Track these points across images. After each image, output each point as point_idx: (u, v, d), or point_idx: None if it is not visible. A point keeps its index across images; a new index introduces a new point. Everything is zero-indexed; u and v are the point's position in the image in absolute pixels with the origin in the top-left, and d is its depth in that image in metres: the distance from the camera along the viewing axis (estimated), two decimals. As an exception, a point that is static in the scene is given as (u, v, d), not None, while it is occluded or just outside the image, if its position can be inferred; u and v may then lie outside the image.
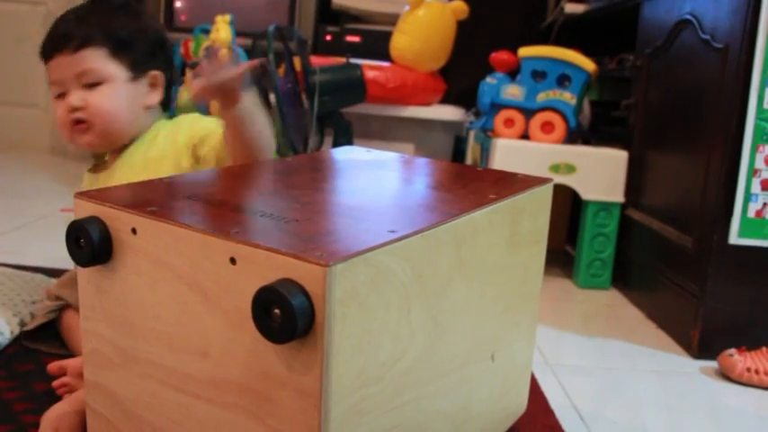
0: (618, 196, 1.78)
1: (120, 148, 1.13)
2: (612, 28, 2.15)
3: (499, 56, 1.91)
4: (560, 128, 1.80)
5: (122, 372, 0.71)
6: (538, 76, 1.83)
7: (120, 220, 0.67)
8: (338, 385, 0.57)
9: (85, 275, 0.71)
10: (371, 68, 2.27)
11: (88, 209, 0.69)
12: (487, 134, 1.88)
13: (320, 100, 2.11)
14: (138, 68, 1.10)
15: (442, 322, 0.72)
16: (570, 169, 1.77)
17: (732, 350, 1.30)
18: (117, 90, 1.08)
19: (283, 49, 2.08)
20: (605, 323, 1.58)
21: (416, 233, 0.64)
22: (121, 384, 0.71)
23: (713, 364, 1.34)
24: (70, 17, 1.09)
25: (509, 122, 1.84)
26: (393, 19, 2.41)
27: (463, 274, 0.74)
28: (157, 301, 0.66)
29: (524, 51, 1.85)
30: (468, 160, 2.15)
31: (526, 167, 1.63)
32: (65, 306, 1.11)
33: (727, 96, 1.33)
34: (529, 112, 1.83)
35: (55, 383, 0.97)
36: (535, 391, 1.13)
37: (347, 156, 1.04)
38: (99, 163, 1.19)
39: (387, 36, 2.36)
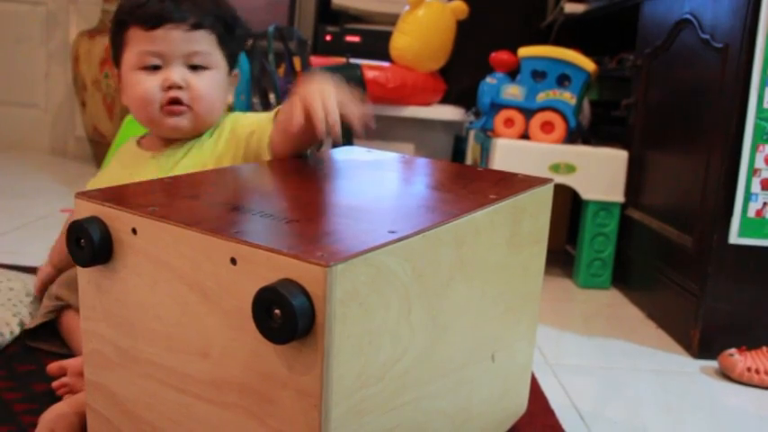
0: (618, 196, 1.78)
1: (191, 137, 1.08)
2: (612, 28, 2.15)
3: (499, 56, 1.91)
4: (560, 128, 1.80)
5: (123, 372, 0.71)
6: (538, 75, 1.83)
7: (120, 221, 0.67)
8: (339, 385, 0.57)
9: (86, 275, 0.71)
10: (371, 68, 2.27)
11: (88, 209, 0.69)
12: (487, 134, 1.88)
13: (320, 100, 2.11)
14: (231, 63, 1.09)
15: (443, 322, 0.72)
16: (570, 169, 1.77)
17: (732, 350, 1.30)
18: (219, 79, 1.06)
19: (283, 49, 2.08)
20: (605, 323, 1.58)
21: (417, 233, 0.64)
22: (122, 385, 0.71)
23: (713, 363, 1.34)
24: None
25: (509, 122, 1.84)
26: (393, 19, 2.41)
27: (464, 274, 0.74)
28: (158, 301, 0.66)
29: (524, 51, 1.85)
30: (468, 160, 2.15)
31: (526, 167, 1.63)
32: (65, 306, 1.11)
33: (727, 96, 1.33)
34: (529, 112, 1.83)
35: (55, 384, 0.97)
36: (535, 391, 1.13)
37: (347, 156, 1.04)
38: (146, 137, 1.12)
39: (387, 36, 2.36)
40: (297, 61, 2.14)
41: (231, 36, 1.08)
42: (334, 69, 2.20)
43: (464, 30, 2.35)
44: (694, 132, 1.47)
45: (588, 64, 1.79)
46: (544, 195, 0.92)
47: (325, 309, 0.54)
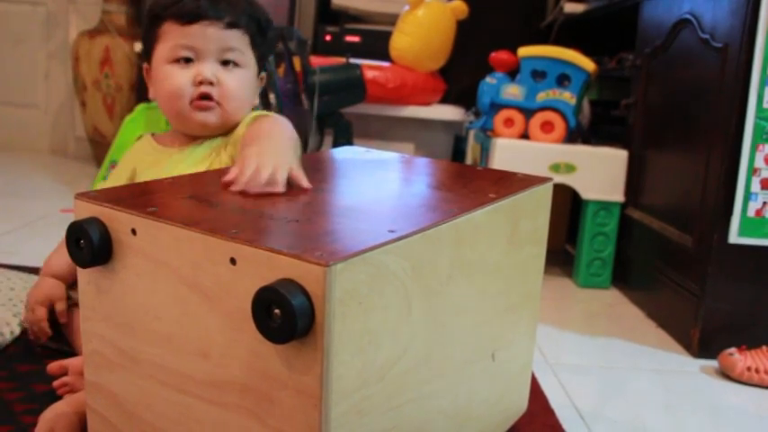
0: (618, 195, 1.78)
1: (216, 135, 1.06)
2: (612, 28, 2.15)
3: (499, 56, 1.91)
4: (560, 127, 1.80)
5: (123, 372, 0.71)
6: (537, 75, 1.83)
7: (119, 221, 0.67)
8: (338, 385, 0.57)
9: (86, 276, 0.71)
10: (371, 68, 2.27)
11: (88, 210, 0.69)
12: (487, 134, 1.88)
13: (320, 100, 2.11)
14: (260, 65, 1.08)
15: (443, 322, 0.72)
16: (570, 169, 1.77)
17: (732, 349, 1.30)
18: (249, 79, 1.05)
19: (283, 49, 2.08)
20: (605, 322, 1.58)
21: (416, 233, 0.65)
22: (122, 385, 0.71)
23: (713, 363, 1.34)
24: None
25: (509, 122, 1.84)
26: (393, 19, 2.41)
27: (463, 273, 0.74)
28: (158, 301, 0.66)
29: (524, 51, 1.85)
30: (468, 160, 2.15)
31: (526, 167, 1.63)
32: (71, 305, 1.11)
33: (727, 95, 1.33)
34: (528, 112, 1.83)
35: (56, 383, 0.97)
36: (535, 391, 1.13)
37: (347, 156, 1.04)
38: (164, 135, 1.10)
39: (386, 36, 2.36)
40: (297, 61, 2.14)
41: (263, 38, 1.07)
42: (334, 69, 2.20)
43: (464, 30, 2.35)
44: (694, 132, 1.47)
45: (588, 64, 1.79)
46: (543, 195, 0.92)
47: (324, 308, 0.54)
